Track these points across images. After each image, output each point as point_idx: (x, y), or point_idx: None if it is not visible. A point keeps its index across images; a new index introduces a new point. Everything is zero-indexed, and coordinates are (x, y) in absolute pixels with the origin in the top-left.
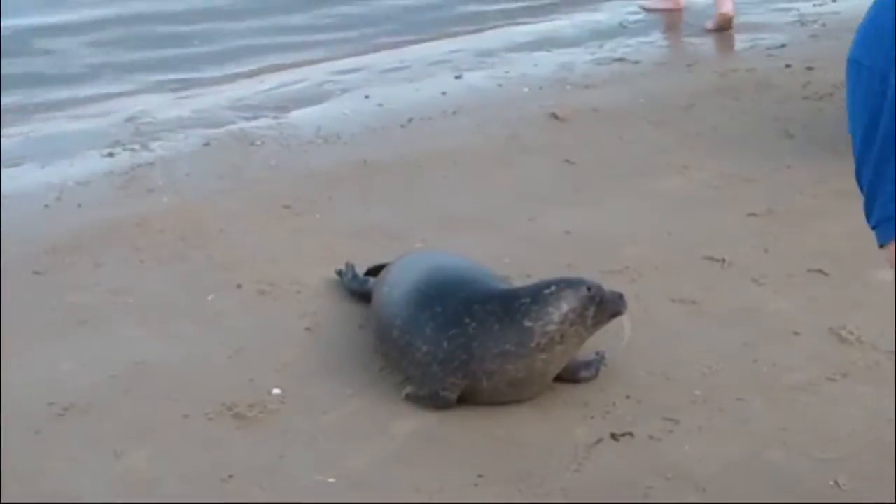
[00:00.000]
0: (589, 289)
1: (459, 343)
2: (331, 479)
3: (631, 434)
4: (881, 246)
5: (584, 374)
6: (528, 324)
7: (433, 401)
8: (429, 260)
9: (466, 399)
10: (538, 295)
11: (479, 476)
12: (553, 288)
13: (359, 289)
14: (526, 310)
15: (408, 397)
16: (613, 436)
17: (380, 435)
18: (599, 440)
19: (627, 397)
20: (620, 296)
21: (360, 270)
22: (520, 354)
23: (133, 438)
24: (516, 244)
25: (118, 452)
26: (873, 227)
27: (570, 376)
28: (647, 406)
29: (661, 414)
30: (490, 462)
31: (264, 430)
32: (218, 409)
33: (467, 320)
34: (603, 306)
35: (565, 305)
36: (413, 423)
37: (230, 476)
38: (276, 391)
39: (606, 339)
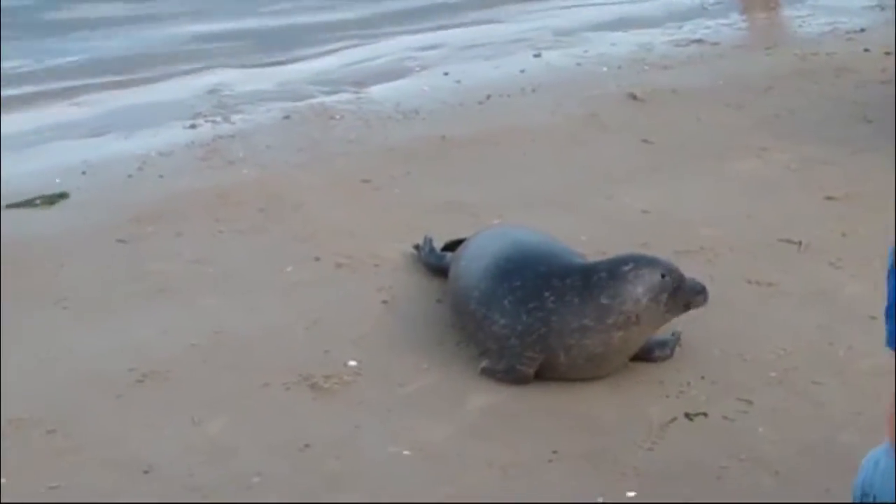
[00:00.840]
0: (664, 275)
1: (538, 316)
2: (405, 452)
3: (705, 414)
4: None
5: (658, 353)
6: (605, 300)
7: (510, 374)
8: (507, 234)
9: (543, 374)
10: (616, 271)
11: (554, 452)
12: (630, 265)
13: (436, 264)
14: (603, 285)
15: (484, 371)
16: (687, 415)
17: (455, 409)
18: (673, 419)
19: (702, 377)
20: (701, 289)
21: (438, 245)
22: (598, 329)
23: (211, 406)
24: (593, 222)
25: (196, 420)
26: None
27: (644, 355)
28: (722, 386)
29: (735, 395)
30: (564, 438)
31: (340, 401)
32: (295, 380)
33: (546, 293)
34: (678, 295)
35: (641, 286)
36: (488, 397)
37: (306, 446)
38: (352, 363)
39: (682, 321)
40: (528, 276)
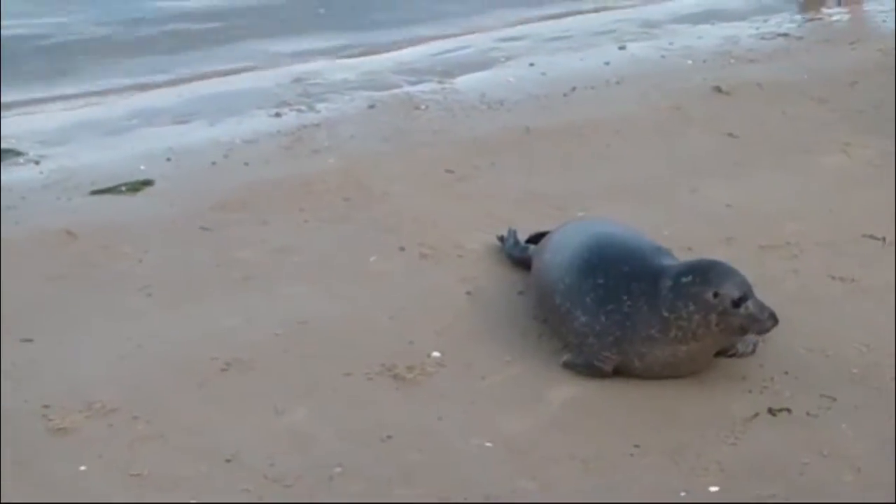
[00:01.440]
0: (716, 294)
1: (615, 319)
2: (487, 444)
3: (788, 410)
4: None
5: (741, 348)
6: (665, 314)
7: (589, 369)
8: (594, 228)
9: (623, 372)
10: (678, 284)
11: (636, 446)
12: (690, 277)
13: (519, 256)
14: (665, 298)
15: (566, 364)
16: (770, 411)
17: (537, 401)
18: (756, 415)
19: (785, 373)
20: (764, 317)
21: (522, 237)
22: (663, 342)
23: (294, 395)
24: (677, 215)
25: (279, 409)
26: None
27: (726, 351)
28: (805, 382)
29: (818, 391)
30: (646, 433)
31: (423, 391)
32: (378, 370)
33: (624, 297)
34: (727, 318)
35: (692, 304)
36: (570, 390)
37: (388, 436)
38: (435, 354)
39: None
40: (611, 274)
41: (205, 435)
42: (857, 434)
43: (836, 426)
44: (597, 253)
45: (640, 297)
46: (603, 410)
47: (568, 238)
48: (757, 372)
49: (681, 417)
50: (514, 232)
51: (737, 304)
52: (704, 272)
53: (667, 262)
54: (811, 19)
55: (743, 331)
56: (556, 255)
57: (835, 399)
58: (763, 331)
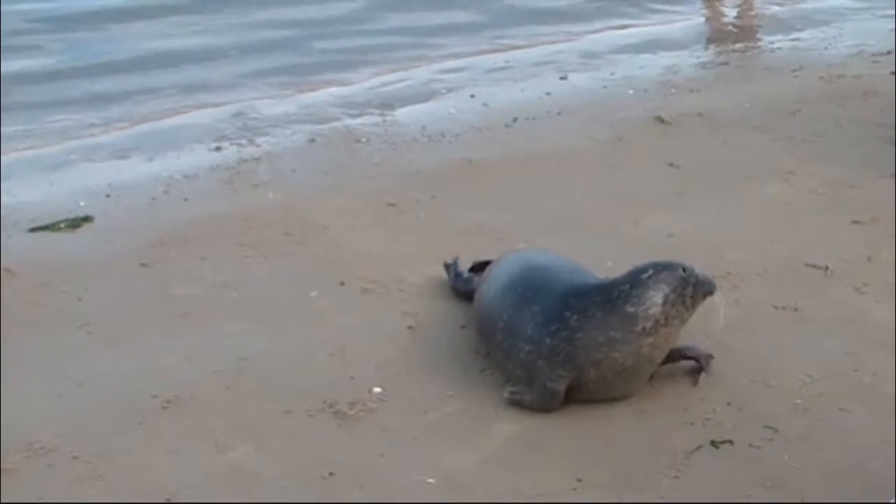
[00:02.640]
0: (684, 269)
1: (562, 336)
2: (430, 480)
3: (731, 441)
4: None
5: (690, 353)
6: (630, 309)
7: (540, 396)
8: (523, 259)
9: (573, 395)
10: (636, 280)
11: (578, 480)
12: (650, 272)
13: (464, 288)
14: (626, 296)
15: (511, 400)
16: (713, 443)
17: (480, 436)
18: (699, 447)
19: (728, 404)
20: (708, 276)
21: (465, 267)
22: (626, 340)
23: (235, 433)
24: (619, 246)
25: (220, 446)
26: None
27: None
28: (747, 413)
29: (761, 422)
30: (589, 466)
31: (365, 428)
32: (319, 407)
33: (567, 314)
34: (697, 286)
35: (665, 287)
36: (513, 425)
37: (330, 474)
38: (377, 389)
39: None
40: (545, 300)
41: (145, 474)
42: (800, 465)
43: (780, 457)
44: (527, 286)
45: (587, 307)
46: (546, 445)
47: (502, 273)
48: (699, 404)
49: (623, 450)
50: (457, 262)
51: (695, 272)
52: (658, 264)
53: (595, 279)
54: (752, 47)
55: (706, 294)
56: (492, 292)
57: (777, 430)
58: (715, 286)
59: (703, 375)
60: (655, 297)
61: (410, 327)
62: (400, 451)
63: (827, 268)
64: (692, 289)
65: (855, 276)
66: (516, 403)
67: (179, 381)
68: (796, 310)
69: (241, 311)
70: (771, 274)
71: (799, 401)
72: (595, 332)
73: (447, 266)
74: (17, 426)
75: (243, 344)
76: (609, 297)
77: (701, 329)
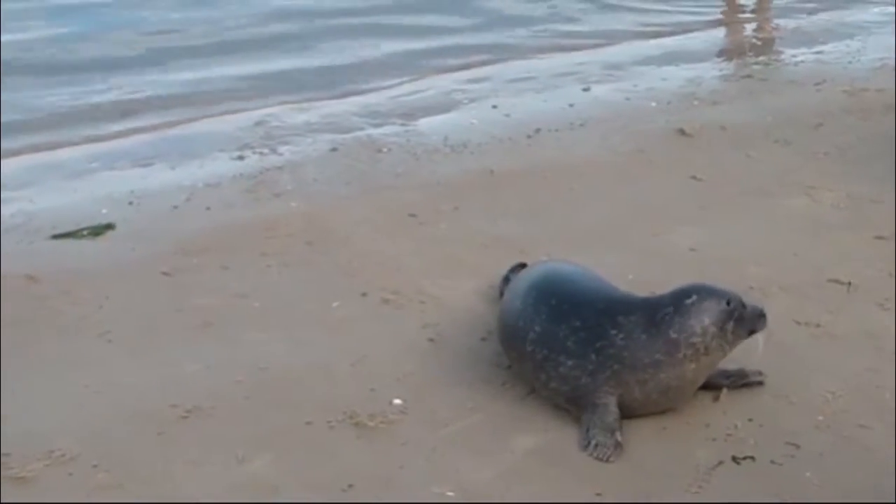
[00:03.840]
0: (728, 303)
1: (609, 353)
2: (449, 493)
3: (752, 458)
4: None
5: (724, 381)
6: (673, 335)
7: (602, 419)
8: (549, 271)
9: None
10: (680, 305)
11: (598, 494)
12: (694, 298)
13: None
14: (670, 320)
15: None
16: (735, 459)
17: (500, 449)
18: (720, 463)
19: (750, 420)
20: (761, 313)
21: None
22: (670, 363)
23: (255, 444)
24: (640, 260)
25: (240, 457)
26: None
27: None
28: (770, 430)
29: (783, 438)
30: (609, 481)
31: (385, 440)
32: (339, 418)
33: (613, 332)
34: (742, 322)
35: (706, 319)
36: (533, 438)
37: (350, 486)
38: (397, 401)
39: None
40: (585, 312)
41: (164, 484)
42: (822, 482)
43: (801, 474)
44: (559, 295)
45: (633, 328)
46: (565, 458)
47: (527, 284)
48: (721, 419)
49: (644, 465)
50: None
51: (744, 306)
52: (705, 289)
53: (634, 296)
54: (775, 60)
55: (751, 332)
56: (518, 302)
57: (799, 447)
58: (765, 324)
59: (724, 391)
60: (696, 328)
61: (431, 339)
62: (420, 463)
63: (850, 283)
64: (734, 323)
65: (877, 291)
66: (602, 448)
67: (200, 390)
68: (818, 325)
69: (262, 321)
70: (793, 289)
71: (821, 417)
72: (641, 353)
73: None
74: (38, 434)
75: (264, 354)
76: (653, 320)
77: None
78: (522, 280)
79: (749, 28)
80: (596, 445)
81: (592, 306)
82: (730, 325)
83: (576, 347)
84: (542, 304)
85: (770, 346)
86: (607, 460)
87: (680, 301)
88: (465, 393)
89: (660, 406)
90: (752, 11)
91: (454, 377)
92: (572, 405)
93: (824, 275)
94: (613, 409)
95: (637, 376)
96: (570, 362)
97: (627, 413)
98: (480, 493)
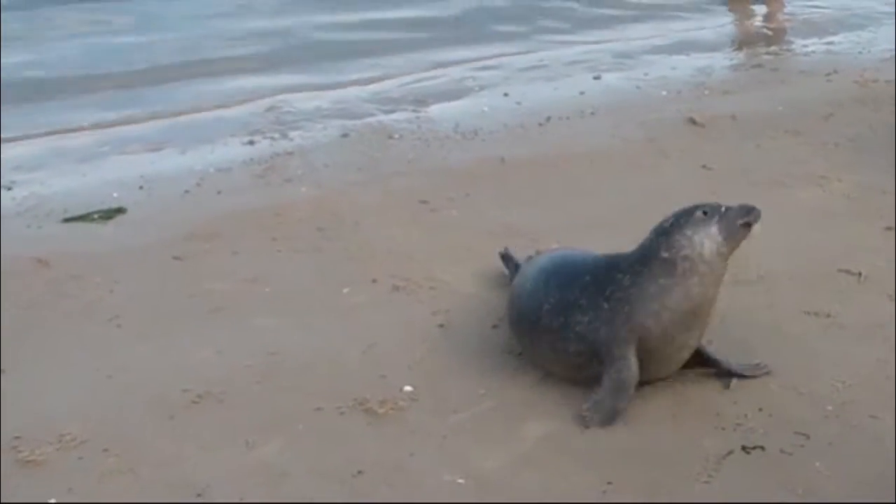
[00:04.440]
0: (705, 212)
1: (619, 297)
2: (459, 480)
3: (762, 447)
4: None
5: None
6: (664, 255)
7: (617, 370)
8: (556, 254)
9: (646, 373)
10: (660, 230)
11: (608, 483)
12: (671, 219)
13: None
14: (657, 245)
15: (589, 409)
16: (744, 448)
17: (510, 437)
18: (730, 452)
19: (759, 410)
20: (750, 207)
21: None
22: (674, 285)
23: (265, 429)
24: None
25: (250, 443)
26: None
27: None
28: (779, 419)
29: (792, 428)
30: (619, 470)
31: (395, 426)
32: (350, 404)
33: (619, 275)
34: (729, 221)
35: (688, 231)
36: (544, 426)
37: (359, 472)
38: (407, 388)
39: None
40: (595, 270)
41: (175, 469)
42: (831, 472)
43: (811, 464)
44: (569, 267)
45: (633, 266)
46: (576, 446)
47: (536, 267)
48: (730, 409)
49: (654, 454)
50: (509, 251)
51: (725, 208)
52: (679, 211)
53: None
54: (786, 50)
55: (747, 227)
56: (529, 284)
57: (809, 437)
58: (759, 215)
59: (734, 381)
60: (682, 241)
61: (441, 325)
62: (430, 450)
63: (860, 274)
64: (719, 226)
65: (888, 282)
66: (598, 411)
67: (210, 375)
68: (828, 316)
69: (272, 306)
70: (804, 279)
71: (830, 407)
72: (646, 283)
73: (504, 256)
74: (48, 418)
75: (274, 339)
76: (645, 253)
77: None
78: (529, 267)
79: (760, 17)
80: (594, 404)
81: (599, 263)
82: (713, 230)
83: (588, 302)
84: (553, 278)
85: (780, 336)
86: (600, 425)
87: (661, 227)
88: (476, 380)
89: (680, 348)
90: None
91: (465, 364)
92: (597, 365)
93: (834, 265)
94: (632, 363)
95: (648, 308)
96: (585, 319)
97: (654, 369)
98: (491, 480)
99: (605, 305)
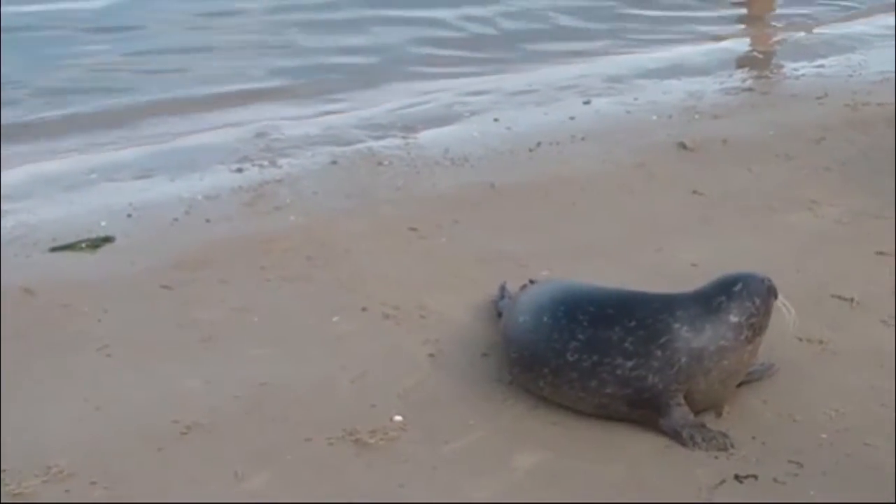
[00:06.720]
0: (767, 282)
1: (675, 348)
2: None
3: (755, 476)
4: None
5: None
6: (734, 319)
7: (677, 419)
8: (561, 285)
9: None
10: (731, 292)
11: None
12: (740, 284)
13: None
14: (727, 307)
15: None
16: (737, 477)
17: (501, 467)
18: (723, 481)
19: (753, 438)
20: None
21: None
22: (733, 348)
23: (254, 461)
24: (641, 275)
25: (239, 475)
26: None
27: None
28: (772, 448)
29: (786, 456)
30: (611, 499)
31: (385, 457)
32: (339, 435)
33: (676, 325)
34: (773, 293)
35: (757, 299)
36: (535, 456)
37: None
38: (397, 418)
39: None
40: (643, 314)
41: (163, 501)
42: (825, 501)
43: (804, 493)
44: (595, 302)
45: (694, 321)
46: (567, 476)
47: (543, 298)
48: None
49: (646, 483)
50: (505, 286)
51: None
52: (744, 275)
53: (681, 292)
54: (777, 74)
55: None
56: (545, 317)
57: (802, 465)
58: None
59: (726, 408)
60: (752, 308)
61: (432, 355)
62: (420, 481)
63: (853, 299)
64: (772, 298)
65: (881, 308)
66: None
67: (199, 406)
68: (822, 342)
69: (261, 336)
70: (796, 305)
71: (824, 435)
72: (707, 342)
73: (502, 289)
74: (35, 450)
75: (264, 369)
76: (711, 308)
77: None
78: (532, 297)
79: (750, 41)
80: (708, 440)
81: (647, 305)
82: (770, 301)
83: (635, 347)
84: (579, 313)
85: (773, 363)
86: (730, 448)
87: (728, 289)
88: (466, 409)
89: (714, 399)
90: (756, 24)
91: (455, 393)
92: (634, 408)
93: (827, 291)
94: (685, 409)
95: (703, 366)
96: (629, 363)
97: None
98: None
99: (658, 353)
